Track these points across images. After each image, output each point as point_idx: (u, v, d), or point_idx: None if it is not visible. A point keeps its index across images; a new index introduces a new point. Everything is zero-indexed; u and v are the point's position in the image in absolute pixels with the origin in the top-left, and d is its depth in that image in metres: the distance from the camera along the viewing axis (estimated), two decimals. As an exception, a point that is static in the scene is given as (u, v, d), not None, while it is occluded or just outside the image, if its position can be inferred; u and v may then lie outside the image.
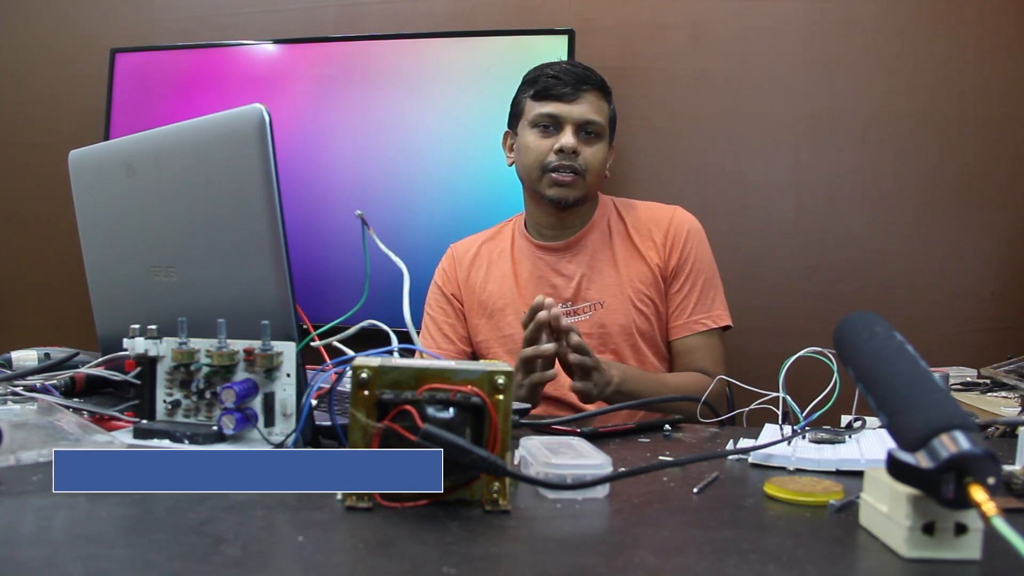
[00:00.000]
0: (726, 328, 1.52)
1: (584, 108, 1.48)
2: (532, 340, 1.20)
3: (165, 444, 0.78)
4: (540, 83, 1.50)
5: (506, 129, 1.60)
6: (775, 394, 0.88)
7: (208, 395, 0.81)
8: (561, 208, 1.50)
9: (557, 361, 1.23)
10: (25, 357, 1.09)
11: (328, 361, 0.75)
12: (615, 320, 1.48)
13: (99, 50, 2.38)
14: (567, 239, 1.54)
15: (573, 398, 1.32)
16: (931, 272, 1.95)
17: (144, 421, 0.82)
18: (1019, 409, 1.19)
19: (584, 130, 1.48)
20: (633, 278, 1.49)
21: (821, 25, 2.00)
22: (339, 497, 0.61)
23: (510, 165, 1.59)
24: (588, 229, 1.54)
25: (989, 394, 1.34)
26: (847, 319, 0.65)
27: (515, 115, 1.57)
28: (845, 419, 0.91)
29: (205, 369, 0.80)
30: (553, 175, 1.47)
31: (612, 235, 1.54)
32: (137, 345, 0.80)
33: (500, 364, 0.64)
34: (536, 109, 1.50)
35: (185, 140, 0.88)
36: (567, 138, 1.46)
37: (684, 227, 1.52)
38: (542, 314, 1.18)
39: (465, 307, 1.59)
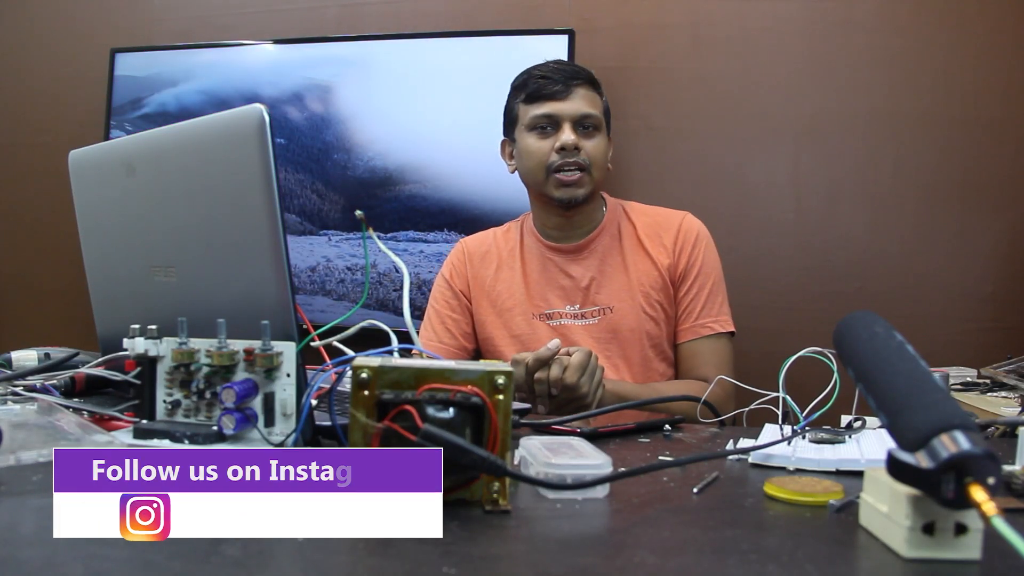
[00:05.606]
0: (731, 335, 1.51)
1: (579, 103, 1.48)
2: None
3: (165, 444, 0.78)
4: (531, 85, 1.50)
5: (503, 138, 1.60)
6: (775, 394, 0.88)
7: (208, 395, 0.81)
8: (569, 208, 1.50)
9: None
10: (25, 357, 1.09)
11: (328, 361, 0.75)
12: (626, 325, 1.47)
13: (99, 50, 2.38)
14: (577, 241, 1.53)
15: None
16: (931, 272, 1.94)
17: (144, 421, 0.82)
18: (1019, 409, 1.19)
19: (582, 124, 1.48)
20: (643, 282, 1.49)
21: (821, 25, 2.00)
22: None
23: (512, 173, 1.58)
24: (598, 232, 1.54)
25: (989, 394, 1.33)
26: (847, 319, 0.65)
27: (510, 122, 1.56)
28: (845, 419, 0.91)
29: (205, 369, 0.80)
30: (558, 176, 1.46)
31: (622, 238, 1.54)
32: (137, 345, 0.80)
33: (500, 364, 0.64)
34: (531, 112, 1.49)
35: (185, 140, 0.88)
36: (567, 135, 1.46)
37: (694, 231, 1.53)
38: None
39: (473, 303, 1.57)
